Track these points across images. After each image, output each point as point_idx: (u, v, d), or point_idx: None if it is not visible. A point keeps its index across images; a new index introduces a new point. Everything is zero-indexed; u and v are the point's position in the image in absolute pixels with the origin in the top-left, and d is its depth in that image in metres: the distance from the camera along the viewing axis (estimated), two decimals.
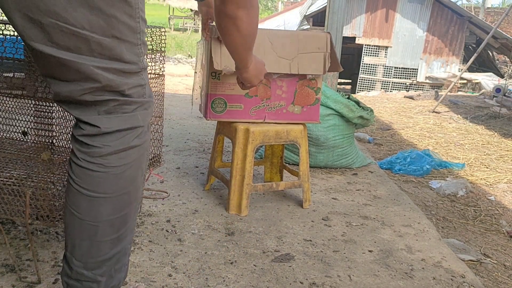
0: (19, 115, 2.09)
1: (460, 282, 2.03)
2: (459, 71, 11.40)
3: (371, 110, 3.55)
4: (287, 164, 3.21)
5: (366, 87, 12.39)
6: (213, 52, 2.24)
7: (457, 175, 4.29)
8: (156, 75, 2.29)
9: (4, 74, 1.87)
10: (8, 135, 2.15)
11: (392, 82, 12.36)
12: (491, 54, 13.78)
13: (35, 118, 1.95)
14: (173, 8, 29.45)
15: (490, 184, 4.13)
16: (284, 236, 2.32)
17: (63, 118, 1.96)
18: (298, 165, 2.68)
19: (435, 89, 10.65)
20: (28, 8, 1.09)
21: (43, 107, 1.89)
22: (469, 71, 12.28)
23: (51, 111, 1.89)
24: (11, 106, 2.06)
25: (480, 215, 3.39)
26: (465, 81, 11.66)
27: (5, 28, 1.81)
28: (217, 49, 2.25)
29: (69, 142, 2.06)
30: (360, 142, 5.02)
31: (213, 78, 2.38)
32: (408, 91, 11.66)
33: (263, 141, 2.48)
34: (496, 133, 6.25)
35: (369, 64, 12.41)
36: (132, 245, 2.07)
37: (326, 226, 2.49)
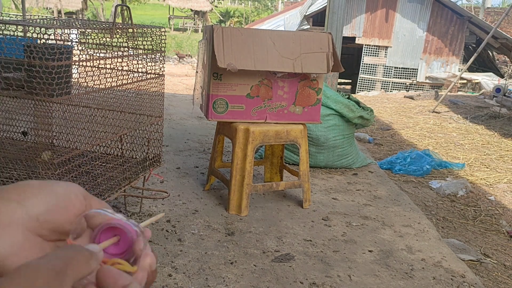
0: (19, 115, 2.09)
1: (460, 282, 2.03)
2: (459, 71, 11.40)
3: (371, 110, 3.55)
4: (287, 164, 3.21)
5: (366, 87, 12.39)
6: (216, 50, 2.24)
7: (457, 175, 4.29)
8: (156, 75, 2.29)
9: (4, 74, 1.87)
10: (8, 135, 2.15)
11: (392, 82, 12.36)
12: (491, 54, 13.77)
13: (35, 118, 1.95)
14: (173, 8, 29.45)
15: (490, 184, 4.12)
16: (284, 236, 2.32)
17: (63, 118, 1.96)
18: (298, 165, 2.68)
19: (435, 89, 10.65)
20: None
21: (43, 107, 1.89)
22: (469, 71, 12.28)
23: (51, 111, 1.89)
24: (11, 106, 2.06)
25: (480, 215, 3.38)
26: (465, 81, 11.66)
27: (5, 28, 1.81)
28: (220, 47, 2.25)
29: (69, 142, 2.06)
30: (360, 142, 5.02)
31: (215, 78, 2.38)
32: (408, 91, 11.66)
33: (263, 141, 2.48)
34: (496, 133, 6.25)
35: (369, 64, 12.41)
36: None
37: (326, 226, 2.48)
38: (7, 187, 0.40)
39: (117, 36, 2.04)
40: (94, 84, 1.91)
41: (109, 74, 2.02)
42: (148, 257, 0.42)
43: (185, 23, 29.53)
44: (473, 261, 2.56)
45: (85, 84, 1.88)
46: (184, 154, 3.61)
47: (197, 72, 2.65)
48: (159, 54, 2.25)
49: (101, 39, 2.11)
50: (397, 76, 12.42)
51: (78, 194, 0.42)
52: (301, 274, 1.97)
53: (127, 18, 18.89)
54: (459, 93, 11.11)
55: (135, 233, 0.41)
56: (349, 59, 13.27)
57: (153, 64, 2.26)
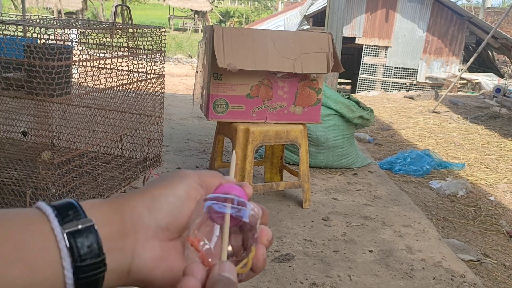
0: (19, 115, 2.09)
1: (460, 282, 2.03)
2: (459, 71, 11.39)
3: (371, 110, 3.55)
4: (287, 164, 3.21)
5: (366, 87, 12.38)
6: (216, 50, 2.24)
7: (457, 175, 4.29)
8: (156, 75, 2.29)
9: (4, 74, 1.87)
10: (8, 135, 2.15)
11: (392, 82, 12.36)
12: (491, 54, 13.77)
13: (35, 118, 1.95)
14: (173, 8, 29.45)
15: (490, 184, 4.12)
16: (284, 236, 2.32)
17: (63, 118, 1.96)
18: (298, 165, 2.68)
19: (435, 89, 10.65)
20: None
21: (43, 107, 1.89)
22: (469, 71, 12.28)
23: (51, 111, 1.89)
24: (11, 106, 2.06)
25: (480, 215, 3.38)
26: (465, 81, 11.66)
27: (5, 28, 1.81)
28: (220, 47, 2.25)
29: (69, 142, 2.06)
30: (360, 142, 5.02)
31: (215, 78, 2.38)
32: (408, 91, 11.66)
33: (263, 141, 2.48)
34: (496, 133, 6.25)
35: (369, 64, 12.41)
36: None
37: (326, 226, 2.48)
38: (134, 196, 0.42)
39: (117, 36, 2.04)
40: (94, 84, 1.91)
41: (109, 74, 2.02)
42: (264, 232, 0.45)
43: (185, 23, 29.54)
44: (473, 261, 2.56)
45: (85, 84, 1.88)
46: (184, 154, 3.61)
47: (197, 72, 2.65)
48: (159, 54, 2.25)
49: (101, 39, 2.11)
50: (397, 76, 12.42)
51: (196, 187, 0.45)
52: (301, 274, 1.97)
53: (127, 18, 18.89)
54: (459, 93, 11.11)
55: (242, 215, 0.45)
56: (349, 59, 13.27)
57: (153, 64, 2.26)
